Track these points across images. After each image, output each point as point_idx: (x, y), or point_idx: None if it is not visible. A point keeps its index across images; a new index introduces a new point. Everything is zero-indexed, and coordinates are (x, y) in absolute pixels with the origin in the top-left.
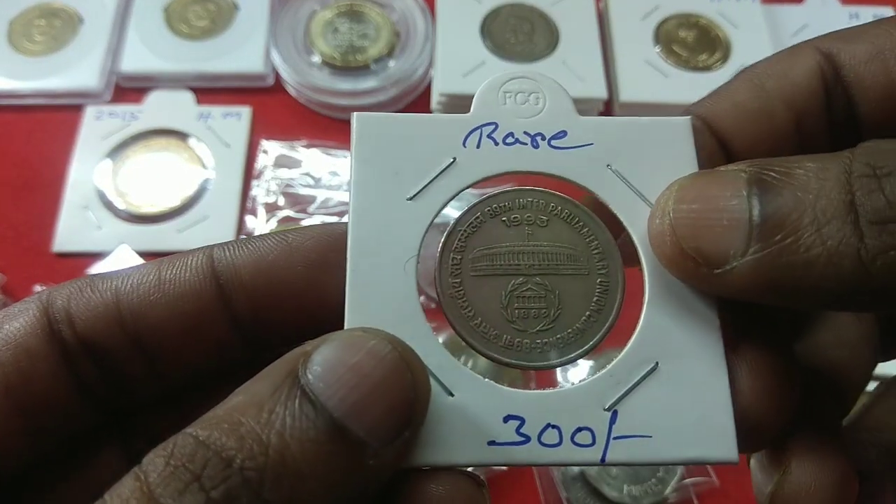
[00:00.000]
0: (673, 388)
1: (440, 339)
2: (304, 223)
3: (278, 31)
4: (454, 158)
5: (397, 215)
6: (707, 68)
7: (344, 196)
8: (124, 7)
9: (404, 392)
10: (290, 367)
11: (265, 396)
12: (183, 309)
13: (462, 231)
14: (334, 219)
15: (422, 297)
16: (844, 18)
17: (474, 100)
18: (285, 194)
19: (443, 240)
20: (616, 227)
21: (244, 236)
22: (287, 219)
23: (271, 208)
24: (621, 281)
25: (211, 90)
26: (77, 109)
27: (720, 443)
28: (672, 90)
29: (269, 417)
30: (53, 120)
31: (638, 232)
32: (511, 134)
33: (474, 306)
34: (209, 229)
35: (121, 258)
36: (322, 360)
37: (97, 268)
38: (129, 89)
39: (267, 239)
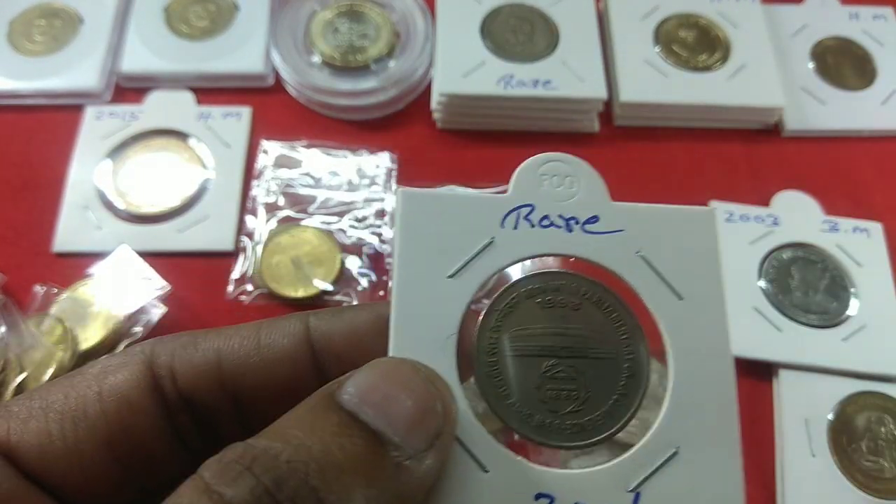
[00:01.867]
0: (692, 473)
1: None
2: (305, 223)
3: (278, 32)
4: (492, 238)
5: (438, 292)
6: (707, 68)
7: (344, 196)
8: (124, 7)
9: (430, 402)
10: (327, 391)
11: (305, 413)
12: (279, 373)
13: (499, 310)
14: (334, 219)
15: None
16: (844, 18)
17: (513, 180)
18: (285, 194)
19: (480, 319)
20: (643, 311)
21: (339, 307)
22: (287, 219)
23: (271, 208)
24: (647, 366)
25: (211, 90)
26: (77, 109)
27: None
28: (672, 90)
29: (310, 427)
30: (53, 120)
31: (663, 318)
32: (547, 217)
33: (510, 386)
34: (209, 229)
35: (121, 258)
36: (354, 382)
37: (97, 268)
38: (129, 89)
39: (360, 310)
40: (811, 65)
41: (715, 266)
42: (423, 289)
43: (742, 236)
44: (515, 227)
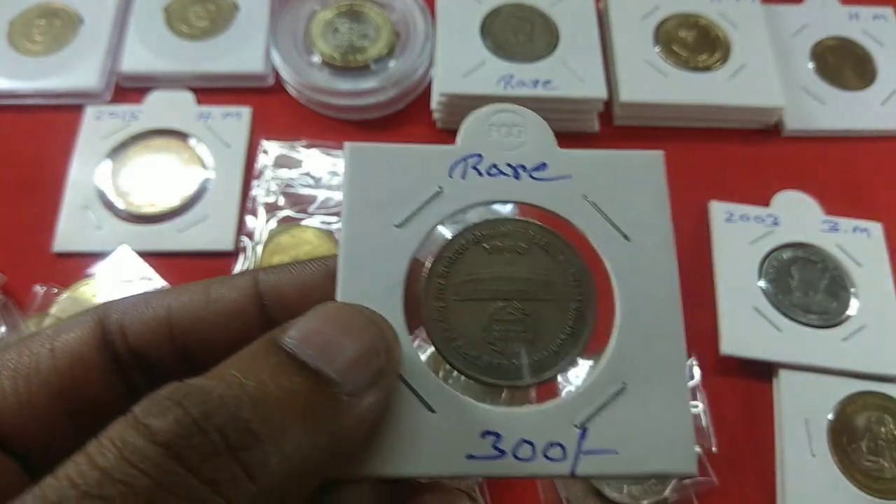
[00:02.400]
0: (639, 407)
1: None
2: (305, 223)
3: (278, 32)
4: (440, 188)
5: (386, 241)
6: (707, 68)
7: None
8: (124, 7)
9: (372, 342)
10: (269, 336)
11: (245, 355)
12: (228, 326)
13: (447, 257)
14: (334, 219)
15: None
16: (844, 18)
17: (461, 131)
18: (285, 194)
19: (429, 265)
20: (591, 254)
21: (289, 262)
22: (287, 219)
23: (271, 208)
24: (594, 307)
25: (211, 90)
26: (77, 109)
27: (681, 457)
28: (672, 90)
29: (248, 367)
30: (53, 120)
31: (611, 260)
32: (495, 165)
33: (456, 328)
34: (209, 229)
35: (121, 259)
36: (297, 326)
37: (97, 268)
38: (129, 89)
39: (309, 265)
40: (811, 65)
41: (663, 209)
42: (371, 237)
43: (742, 236)
44: (464, 177)
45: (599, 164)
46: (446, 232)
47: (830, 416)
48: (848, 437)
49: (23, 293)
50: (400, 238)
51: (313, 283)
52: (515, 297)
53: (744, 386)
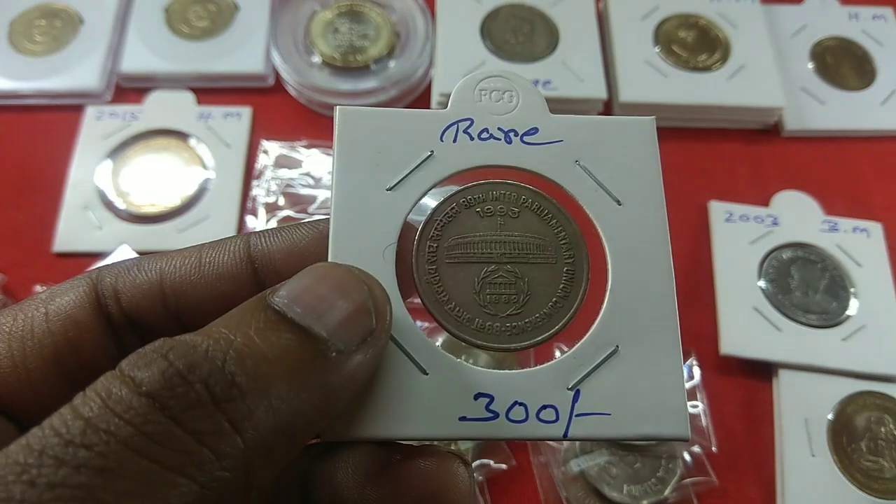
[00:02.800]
0: (631, 370)
1: (439, 341)
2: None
3: (278, 32)
4: (432, 152)
5: (377, 205)
6: (707, 69)
7: None
8: (124, 7)
9: (362, 301)
10: (260, 296)
11: (234, 314)
12: (220, 290)
13: (438, 220)
14: None
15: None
16: (844, 18)
17: (451, 96)
18: (285, 194)
19: (420, 228)
20: (582, 218)
21: (280, 226)
22: (287, 219)
23: (271, 208)
24: (586, 270)
25: (211, 90)
26: (77, 110)
27: (672, 421)
28: (672, 90)
29: (237, 324)
30: (54, 120)
31: (602, 223)
32: (486, 130)
33: (449, 291)
34: (209, 229)
35: (121, 258)
36: (287, 285)
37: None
38: (129, 89)
39: (300, 227)
40: (811, 65)
41: (654, 173)
42: (362, 201)
43: (742, 236)
44: (455, 141)
45: (591, 128)
46: (432, 202)
47: (830, 416)
48: (848, 436)
49: (23, 293)
50: (391, 201)
51: (304, 246)
52: (507, 261)
53: (744, 386)
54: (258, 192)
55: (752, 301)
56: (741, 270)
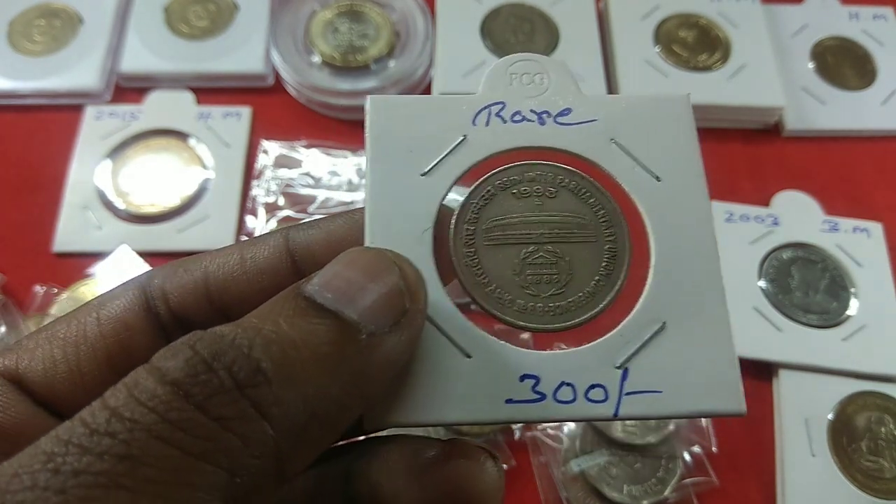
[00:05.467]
0: (680, 345)
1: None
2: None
3: (278, 32)
4: (464, 136)
5: (412, 190)
6: (707, 68)
7: (344, 196)
8: (124, 7)
9: (395, 283)
10: (294, 286)
11: (267, 304)
12: (262, 284)
13: (475, 203)
14: None
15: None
16: (844, 18)
17: (483, 81)
18: (285, 194)
19: (457, 211)
20: (621, 196)
21: (318, 216)
22: (287, 219)
23: (271, 208)
24: (628, 247)
25: (211, 90)
26: (77, 109)
27: (727, 396)
28: (672, 90)
29: (268, 314)
30: (53, 120)
31: (642, 200)
32: (518, 112)
33: (489, 274)
34: (209, 229)
35: (121, 259)
36: (321, 273)
37: (98, 268)
38: (129, 89)
39: (337, 218)
40: (811, 65)
41: (692, 148)
42: (397, 187)
43: (742, 236)
44: (487, 125)
45: (625, 106)
46: (460, 197)
47: (830, 416)
48: (848, 436)
49: (23, 293)
50: (426, 186)
51: (342, 236)
52: (547, 241)
53: (744, 386)
54: (258, 192)
55: (752, 301)
56: (741, 270)
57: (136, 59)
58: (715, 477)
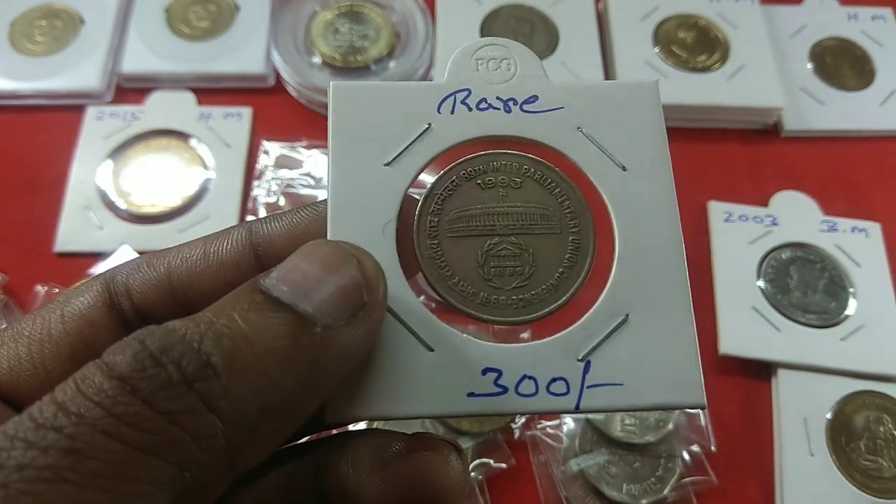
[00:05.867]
0: (643, 338)
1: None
2: None
3: (279, 32)
4: (429, 124)
5: (375, 181)
6: (706, 69)
7: None
8: (125, 8)
9: (352, 276)
10: (252, 280)
11: (224, 299)
12: (225, 278)
13: (438, 194)
14: None
15: (422, 298)
16: (843, 19)
17: (447, 67)
18: (286, 194)
19: (420, 203)
20: (587, 186)
21: (280, 212)
22: None
23: (272, 208)
24: (592, 238)
25: (212, 91)
26: (78, 110)
27: (688, 389)
28: (671, 91)
29: (223, 308)
30: (54, 120)
31: (607, 190)
32: (484, 99)
33: (452, 266)
34: (210, 229)
35: (122, 259)
36: (279, 266)
37: (98, 268)
38: (130, 90)
39: (300, 210)
40: (810, 65)
41: (660, 137)
42: (359, 177)
43: (741, 236)
44: (452, 112)
45: (593, 94)
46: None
47: (829, 416)
48: (846, 436)
49: (24, 293)
50: (390, 176)
51: (304, 228)
52: (510, 232)
53: (743, 386)
54: (259, 192)
55: (751, 301)
56: (740, 270)
57: (137, 60)
58: (714, 476)
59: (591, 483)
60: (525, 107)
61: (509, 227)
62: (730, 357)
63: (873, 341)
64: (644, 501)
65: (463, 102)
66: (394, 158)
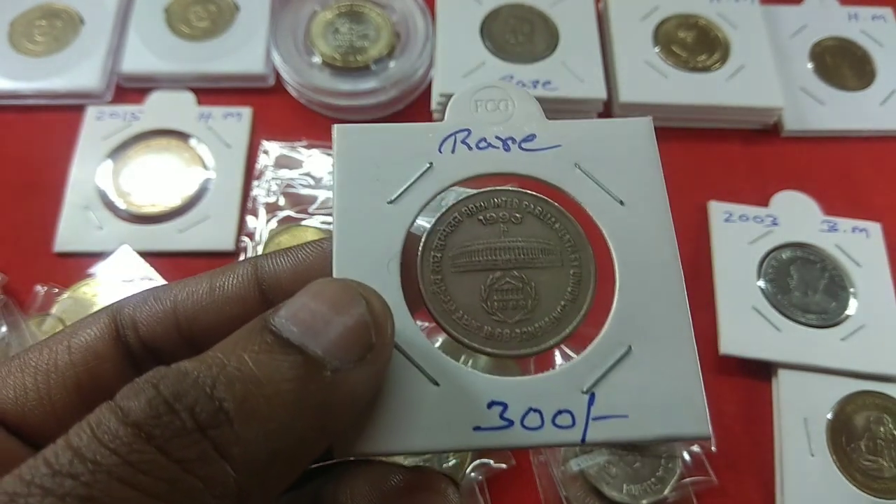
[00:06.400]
0: (646, 369)
1: (438, 342)
2: (305, 223)
3: (279, 32)
4: (431, 163)
5: (379, 218)
6: (706, 69)
7: None
8: (125, 8)
9: (361, 316)
10: (261, 317)
11: (233, 338)
12: (231, 313)
13: (441, 230)
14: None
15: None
16: (843, 19)
17: (448, 108)
18: (286, 194)
19: (423, 239)
20: (586, 221)
21: (287, 248)
22: (288, 219)
23: (272, 208)
24: (593, 271)
25: (212, 91)
26: (78, 110)
27: (693, 419)
28: (671, 91)
29: (232, 349)
30: (54, 120)
31: (606, 224)
32: (484, 139)
33: (456, 300)
34: (210, 229)
35: (122, 259)
36: (287, 304)
37: (98, 268)
38: (130, 90)
39: (305, 247)
40: (810, 65)
41: (655, 171)
42: (364, 215)
43: (741, 236)
44: (453, 152)
45: (589, 131)
46: (427, 224)
47: (829, 416)
48: (847, 436)
49: (24, 293)
50: (393, 214)
51: (309, 265)
52: (513, 266)
53: (743, 386)
54: (259, 192)
55: (751, 301)
56: (740, 270)
57: (136, 60)
58: (714, 476)
59: (592, 483)
60: (524, 145)
61: (511, 262)
62: (730, 357)
63: (874, 341)
64: (644, 502)
65: (463, 142)
66: (397, 196)
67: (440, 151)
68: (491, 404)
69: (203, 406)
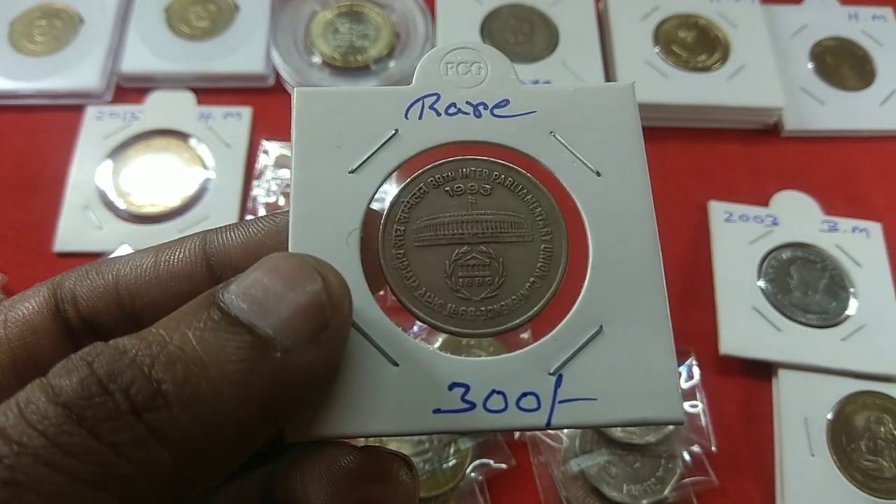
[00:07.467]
0: (618, 350)
1: (437, 344)
2: None
3: (279, 32)
4: (396, 130)
5: (339, 189)
6: (706, 69)
7: None
8: (125, 8)
9: (314, 292)
10: (210, 292)
11: (179, 314)
12: (176, 289)
13: (405, 202)
14: None
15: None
16: (843, 19)
17: (416, 71)
18: (286, 194)
19: (385, 212)
20: (560, 192)
21: (240, 222)
22: None
23: (272, 208)
24: (565, 247)
25: (211, 90)
26: (78, 110)
27: (664, 403)
28: (671, 90)
29: (176, 325)
30: (54, 120)
31: (581, 197)
32: (453, 104)
33: (418, 276)
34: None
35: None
36: (239, 279)
37: None
38: (129, 90)
39: (258, 221)
40: (810, 65)
41: (635, 141)
42: (323, 186)
43: (741, 236)
44: (420, 118)
45: (566, 98)
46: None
47: (830, 416)
48: (847, 436)
49: None
50: (355, 185)
51: (260, 240)
52: (480, 241)
53: (743, 386)
54: (258, 192)
55: (751, 301)
56: (741, 270)
57: (136, 60)
58: (714, 476)
59: (592, 483)
60: (496, 111)
61: (478, 236)
62: (730, 357)
63: (874, 341)
64: (644, 502)
65: (431, 107)
66: (359, 165)
67: (406, 118)
68: (452, 386)
69: (139, 387)
